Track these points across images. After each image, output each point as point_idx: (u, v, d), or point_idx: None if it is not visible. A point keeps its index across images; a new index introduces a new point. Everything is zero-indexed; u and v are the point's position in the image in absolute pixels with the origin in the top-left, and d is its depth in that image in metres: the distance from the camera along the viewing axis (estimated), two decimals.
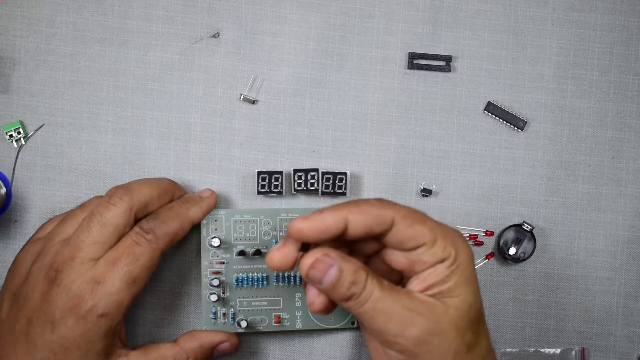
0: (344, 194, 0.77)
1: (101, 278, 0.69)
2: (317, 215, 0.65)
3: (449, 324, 0.65)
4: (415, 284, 0.66)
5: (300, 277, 0.77)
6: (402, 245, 0.66)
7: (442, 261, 0.66)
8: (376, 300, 0.65)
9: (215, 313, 0.76)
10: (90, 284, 0.69)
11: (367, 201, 0.66)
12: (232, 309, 0.76)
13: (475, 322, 0.67)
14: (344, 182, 0.77)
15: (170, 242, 0.72)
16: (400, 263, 0.67)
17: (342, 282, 0.65)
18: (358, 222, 0.65)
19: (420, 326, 0.65)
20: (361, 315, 0.65)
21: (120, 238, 0.71)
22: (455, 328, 0.66)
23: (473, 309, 0.66)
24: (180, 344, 0.74)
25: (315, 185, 0.77)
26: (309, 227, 0.65)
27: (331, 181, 0.77)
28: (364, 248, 0.69)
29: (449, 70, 0.79)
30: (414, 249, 0.66)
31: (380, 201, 0.66)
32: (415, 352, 0.65)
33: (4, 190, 0.77)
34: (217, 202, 0.77)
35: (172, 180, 0.75)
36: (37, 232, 0.75)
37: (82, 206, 0.75)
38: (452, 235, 0.67)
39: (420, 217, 0.66)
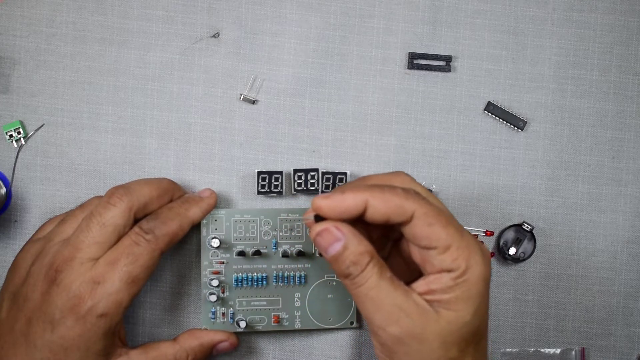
0: None
1: (101, 278, 0.69)
2: (338, 196, 0.65)
3: (436, 334, 0.65)
4: (419, 284, 0.66)
5: (300, 276, 0.77)
6: (416, 240, 0.65)
7: (448, 271, 0.65)
8: (370, 288, 0.65)
9: (214, 313, 0.76)
10: (89, 284, 0.69)
11: (392, 189, 0.65)
12: (231, 309, 0.76)
13: (465, 341, 0.65)
14: (344, 182, 0.77)
15: (170, 243, 0.72)
16: (414, 256, 0.67)
17: (343, 259, 0.65)
18: (378, 208, 0.65)
19: (403, 326, 0.65)
20: (354, 297, 0.66)
21: (119, 238, 0.71)
22: (441, 340, 0.65)
23: (467, 328, 0.65)
24: (180, 343, 0.74)
25: (315, 185, 0.77)
26: (328, 206, 0.65)
27: (331, 181, 0.77)
28: (389, 232, 0.69)
29: (449, 70, 0.79)
30: (427, 248, 0.65)
31: (406, 192, 0.65)
32: (392, 350, 0.65)
33: (4, 190, 0.77)
34: (217, 202, 0.77)
35: (171, 181, 0.75)
36: (36, 232, 0.75)
37: (81, 206, 0.75)
38: (471, 249, 0.65)
39: (443, 219, 0.65)
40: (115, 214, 0.71)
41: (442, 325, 0.65)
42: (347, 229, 0.65)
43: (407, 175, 0.69)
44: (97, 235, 0.70)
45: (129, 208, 0.71)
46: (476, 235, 0.75)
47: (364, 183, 0.68)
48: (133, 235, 0.71)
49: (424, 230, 0.65)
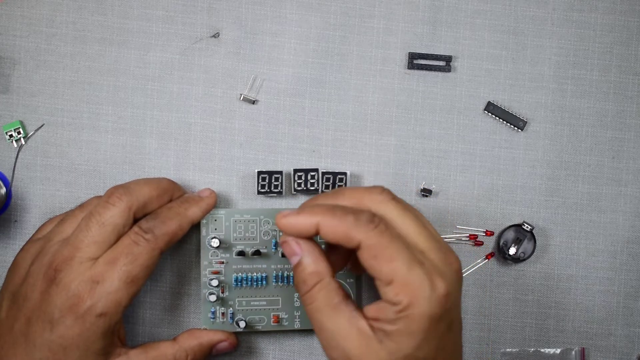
0: None
1: (100, 277, 0.69)
2: (293, 217, 0.67)
3: None
4: (370, 309, 0.66)
5: None
6: (364, 267, 0.65)
7: (392, 304, 0.64)
8: (315, 310, 0.66)
9: (214, 312, 0.76)
10: (89, 284, 0.69)
11: (343, 215, 0.65)
12: (231, 309, 0.76)
13: None
14: (344, 182, 0.77)
15: (169, 242, 0.72)
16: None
17: (297, 273, 0.67)
18: (327, 233, 0.66)
19: (342, 352, 0.65)
20: (306, 311, 0.67)
21: (119, 238, 0.71)
22: None
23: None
24: (180, 342, 0.74)
25: (315, 185, 0.77)
26: (284, 225, 0.67)
27: (331, 181, 0.77)
28: None
29: (449, 70, 0.79)
30: (373, 277, 0.65)
31: (357, 219, 0.65)
32: None
33: (4, 190, 0.77)
34: (217, 202, 0.77)
35: (171, 180, 0.75)
36: (36, 232, 0.75)
37: (81, 206, 0.75)
38: (416, 285, 0.64)
39: (389, 253, 0.64)
40: (115, 214, 0.71)
41: (381, 355, 0.65)
42: (306, 246, 0.67)
43: (384, 190, 0.68)
44: (96, 235, 0.70)
45: (128, 207, 0.71)
46: (456, 258, 0.69)
47: (333, 199, 0.68)
48: (132, 234, 0.71)
49: (368, 261, 0.65)
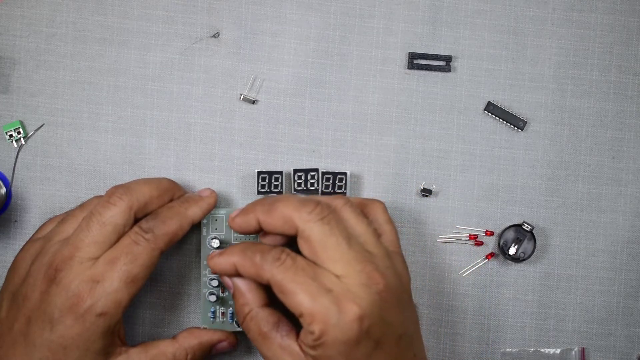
0: (344, 194, 0.77)
1: (100, 277, 0.69)
2: (216, 259, 0.71)
3: None
4: (301, 334, 0.68)
5: None
6: None
7: (309, 333, 0.66)
8: (252, 339, 0.70)
9: (214, 312, 0.76)
10: (89, 283, 0.69)
11: (253, 256, 0.68)
12: (230, 309, 0.76)
13: None
14: (344, 182, 0.77)
15: (170, 242, 0.72)
16: None
17: (234, 302, 0.71)
18: (243, 272, 0.70)
19: None
20: None
21: (119, 237, 0.71)
22: None
23: None
24: (180, 341, 0.74)
25: (315, 185, 0.77)
26: (212, 267, 0.71)
27: (331, 181, 0.77)
28: None
29: (449, 70, 0.79)
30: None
31: (263, 260, 0.68)
32: None
33: (4, 190, 0.77)
34: (217, 201, 0.77)
35: (171, 180, 0.75)
36: (36, 232, 0.75)
37: (81, 206, 0.75)
38: (323, 314, 0.65)
39: (293, 288, 0.66)
40: (115, 213, 0.71)
41: None
42: (236, 280, 0.71)
43: (315, 209, 0.68)
44: (96, 235, 0.70)
45: (129, 207, 0.71)
46: (381, 277, 0.68)
47: (265, 212, 0.70)
48: (132, 234, 0.71)
49: (279, 296, 0.67)
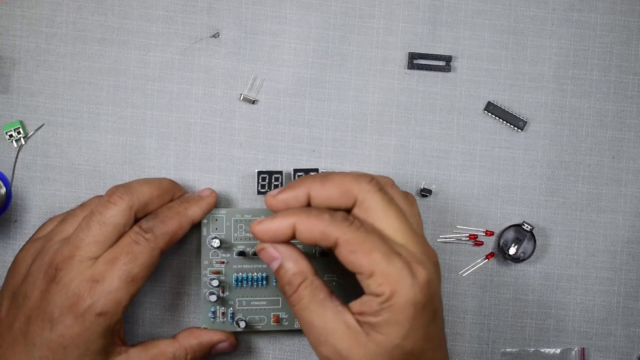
0: None
1: (100, 277, 0.69)
2: (267, 222, 0.68)
3: (363, 355, 0.66)
4: (355, 304, 0.67)
5: None
6: (344, 264, 0.67)
7: (375, 295, 0.65)
8: (302, 309, 0.67)
9: (214, 312, 0.76)
10: (88, 283, 0.69)
11: (319, 215, 0.67)
12: (231, 309, 0.76)
13: None
14: None
15: (170, 242, 0.72)
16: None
17: (280, 276, 0.69)
18: (304, 233, 0.67)
19: (330, 348, 0.66)
20: (294, 314, 0.69)
21: (120, 237, 0.71)
22: None
23: (398, 351, 0.66)
24: (180, 341, 0.74)
25: None
26: (259, 232, 0.68)
27: None
28: None
29: (449, 70, 0.79)
30: (354, 272, 0.66)
31: (332, 217, 0.66)
32: None
33: (4, 190, 0.77)
34: (217, 201, 0.77)
35: (172, 180, 0.75)
36: (37, 231, 0.75)
37: (82, 205, 0.75)
38: (396, 274, 0.65)
39: (366, 246, 0.65)
40: (116, 213, 0.71)
41: (370, 348, 0.66)
42: (284, 249, 0.69)
43: (372, 180, 0.68)
44: (97, 234, 0.70)
45: (129, 207, 0.71)
46: (434, 253, 0.70)
47: (320, 183, 0.68)
48: (132, 234, 0.71)
49: (347, 256, 0.66)
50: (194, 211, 0.74)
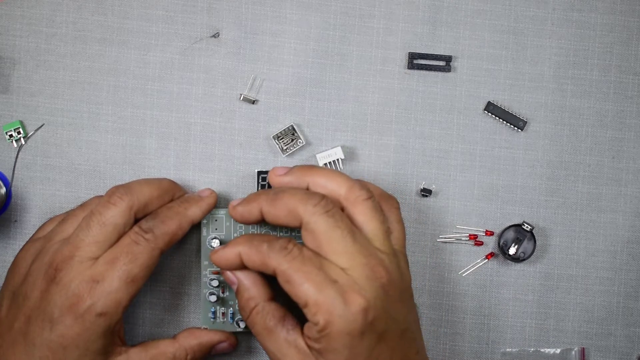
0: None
1: (100, 277, 0.69)
2: (220, 251, 0.71)
3: None
4: (305, 328, 0.68)
5: None
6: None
7: (313, 324, 0.67)
8: (256, 334, 0.70)
9: (214, 313, 0.76)
10: (88, 283, 0.69)
11: (259, 245, 0.68)
12: (231, 309, 0.76)
13: None
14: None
15: (170, 242, 0.72)
16: None
17: (238, 300, 0.72)
18: (248, 262, 0.70)
19: None
20: None
21: (119, 237, 0.71)
22: None
23: None
24: (180, 341, 0.74)
25: None
26: (216, 261, 0.71)
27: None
28: None
29: (449, 70, 0.79)
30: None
31: (270, 248, 0.68)
32: None
33: (4, 190, 0.77)
34: (217, 202, 0.76)
35: (172, 181, 0.75)
36: (37, 231, 0.75)
37: (82, 206, 0.75)
38: (329, 304, 0.66)
39: (299, 277, 0.66)
40: (116, 213, 0.71)
41: None
42: (240, 274, 0.71)
43: (321, 201, 0.68)
44: (97, 234, 0.70)
45: (129, 207, 0.71)
46: (386, 272, 0.69)
47: (269, 202, 0.70)
48: (132, 234, 0.71)
49: (284, 286, 0.68)
50: (194, 211, 0.74)
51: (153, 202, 0.73)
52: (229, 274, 0.72)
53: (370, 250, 0.68)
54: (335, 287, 0.66)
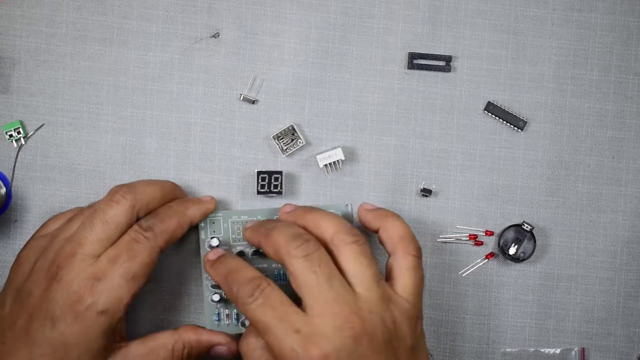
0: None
1: (101, 274, 0.69)
2: (215, 264, 0.72)
3: None
4: None
5: None
6: None
7: None
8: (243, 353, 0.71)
9: (219, 315, 0.76)
10: (90, 281, 0.69)
11: (230, 285, 0.70)
12: (235, 310, 0.76)
13: None
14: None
15: (169, 240, 0.72)
16: None
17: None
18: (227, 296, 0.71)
19: None
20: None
21: (121, 236, 0.71)
22: None
23: None
24: (180, 333, 0.74)
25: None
26: (212, 270, 0.73)
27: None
28: None
29: (449, 70, 0.79)
30: None
31: (237, 291, 0.68)
32: None
33: (4, 190, 0.77)
34: (217, 205, 0.76)
35: (174, 183, 0.76)
36: (40, 229, 0.75)
37: (90, 206, 0.75)
38: (287, 354, 0.66)
39: (262, 327, 0.67)
40: (118, 212, 0.71)
41: None
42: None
43: (301, 245, 0.68)
44: (99, 232, 0.70)
45: (131, 206, 0.71)
46: (360, 321, 0.67)
47: (265, 234, 0.71)
48: (132, 232, 0.71)
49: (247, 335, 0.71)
50: (193, 212, 0.74)
51: (155, 202, 0.73)
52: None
53: (347, 298, 0.67)
54: (295, 338, 0.66)
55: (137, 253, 0.70)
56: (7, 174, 0.78)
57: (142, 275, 0.70)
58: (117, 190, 0.72)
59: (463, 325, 0.79)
